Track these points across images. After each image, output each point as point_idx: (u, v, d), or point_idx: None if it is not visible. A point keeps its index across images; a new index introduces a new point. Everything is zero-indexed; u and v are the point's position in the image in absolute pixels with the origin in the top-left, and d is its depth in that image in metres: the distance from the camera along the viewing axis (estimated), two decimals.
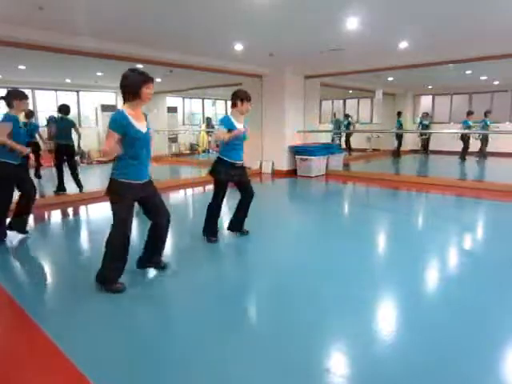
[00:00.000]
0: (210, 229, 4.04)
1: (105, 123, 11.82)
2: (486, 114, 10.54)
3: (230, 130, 3.75)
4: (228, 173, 3.82)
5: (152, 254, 3.20)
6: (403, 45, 6.40)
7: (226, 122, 3.83)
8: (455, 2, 4.32)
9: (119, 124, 2.68)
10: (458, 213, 5.71)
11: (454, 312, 2.57)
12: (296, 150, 8.92)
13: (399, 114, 13.02)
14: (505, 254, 3.71)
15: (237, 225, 4.20)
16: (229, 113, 4.19)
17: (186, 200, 7.19)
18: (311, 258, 3.69)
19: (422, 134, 12.55)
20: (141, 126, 2.78)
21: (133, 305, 2.74)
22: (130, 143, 2.74)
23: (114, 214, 2.79)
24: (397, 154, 12.66)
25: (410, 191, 7.21)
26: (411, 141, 13.95)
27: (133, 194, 2.81)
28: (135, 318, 2.56)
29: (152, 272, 3.27)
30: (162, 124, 13.48)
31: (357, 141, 14.23)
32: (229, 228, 4.25)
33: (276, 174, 9.03)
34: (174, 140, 13.67)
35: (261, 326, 2.48)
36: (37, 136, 6.67)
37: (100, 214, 5.74)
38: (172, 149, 13.38)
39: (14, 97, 3.97)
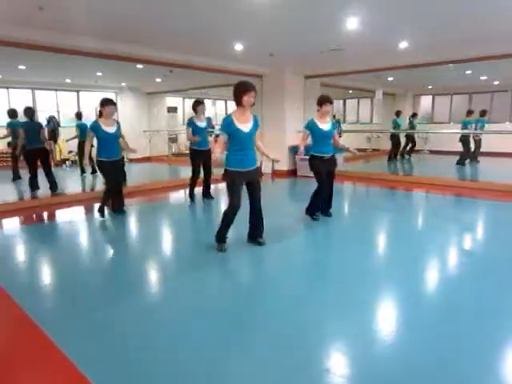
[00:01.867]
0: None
1: None
2: (481, 114, 10.45)
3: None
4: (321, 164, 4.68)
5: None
6: (403, 45, 6.40)
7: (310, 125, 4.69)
8: (455, 2, 4.33)
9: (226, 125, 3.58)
10: (463, 213, 5.71)
11: (454, 312, 2.57)
12: (296, 150, 8.90)
13: (398, 113, 12.04)
14: (505, 254, 3.71)
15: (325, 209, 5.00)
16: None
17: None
18: (311, 257, 3.70)
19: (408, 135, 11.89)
20: (244, 126, 3.59)
21: (131, 303, 2.75)
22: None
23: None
24: (398, 154, 11.89)
25: (410, 191, 7.21)
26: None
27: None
28: (135, 318, 2.56)
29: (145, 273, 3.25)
30: (162, 124, 13.49)
31: (357, 141, 14.22)
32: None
33: (276, 174, 9.02)
34: (173, 140, 13.67)
35: (260, 326, 2.48)
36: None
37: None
38: (172, 149, 13.39)
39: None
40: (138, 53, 6.42)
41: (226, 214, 3.70)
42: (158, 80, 10.97)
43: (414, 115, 12.26)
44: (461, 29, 5.54)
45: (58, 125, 10.60)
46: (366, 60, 7.68)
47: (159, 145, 13.21)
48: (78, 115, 9.09)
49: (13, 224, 5.19)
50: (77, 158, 10.58)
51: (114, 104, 4.80)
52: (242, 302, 2.86)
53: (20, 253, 4.02)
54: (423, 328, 2.37)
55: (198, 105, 5.94)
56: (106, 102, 4.74)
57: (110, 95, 12.82)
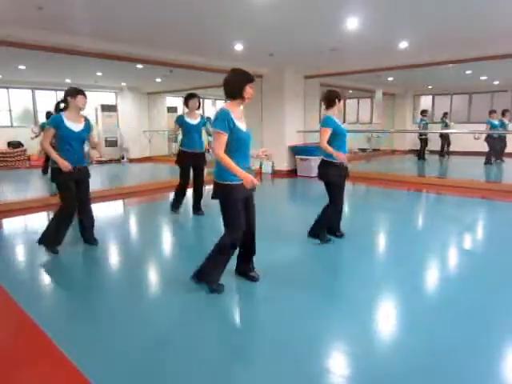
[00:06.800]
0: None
1: (105, 123, 11.84)
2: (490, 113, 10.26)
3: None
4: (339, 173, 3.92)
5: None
6: (403, 45, 6.40)
7: (331, 123, 3.78)
8: (455, 2, 4.33)
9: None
10: (467, 213, 5.71)
11: (455, 312, 2.57)
12: (296, 150, 8.91)
13: (424, 112, 11.53)
14: None
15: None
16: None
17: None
18: (312, 257, 3.69)
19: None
20: (242, 125, 2.79)
21: (132, 303, 2.75)
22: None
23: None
24: (441, 153, 11.75)
25: (410, 191, 7.22)
26: (411, 141, 13.91)
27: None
28: (135, 317, 2.56)
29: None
30: (162, 124, 13.49)
31: (357, 141, 14.20)
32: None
33: (276, 174, 9.03)
34: (174, 140, 13.67)
35: (260, 326, 2.48)
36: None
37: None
38: (172, 149, 13.39)
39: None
40: (138, 53, 6.43)
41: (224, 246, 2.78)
42: (158, 80, 10.97)
43: (445, 114, 11.89)
44: (461, 29, 5.54)
45: None
46: (366, 60, 7.68)
47: (159, 145, 13.23)
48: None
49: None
50: None
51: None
52: (241, 303, 2.86)
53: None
54: (424, 328, 2.37)
55: (189, 99, 5.03)
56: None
57: (110, 95, 12.85)
